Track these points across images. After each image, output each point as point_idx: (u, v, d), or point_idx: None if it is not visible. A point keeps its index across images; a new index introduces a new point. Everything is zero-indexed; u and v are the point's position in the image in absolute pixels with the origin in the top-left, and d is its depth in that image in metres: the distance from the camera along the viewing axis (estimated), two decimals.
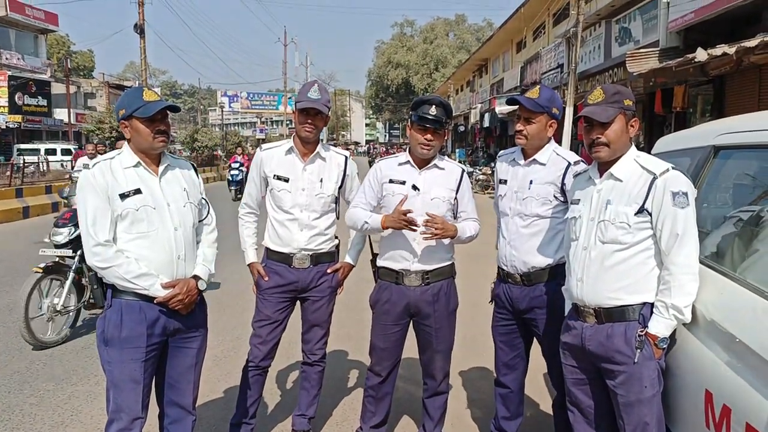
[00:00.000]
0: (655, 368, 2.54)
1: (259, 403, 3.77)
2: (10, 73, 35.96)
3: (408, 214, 3.22)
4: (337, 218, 3.74)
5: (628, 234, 2.59)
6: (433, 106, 3.27)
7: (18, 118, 35.86)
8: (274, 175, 3.57)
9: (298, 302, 3.74)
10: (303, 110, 3.46)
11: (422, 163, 3.41)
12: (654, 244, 2.59)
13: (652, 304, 2.58)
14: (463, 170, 3.53)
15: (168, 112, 2.83)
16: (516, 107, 3.33)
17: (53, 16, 41.83)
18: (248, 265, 3.71)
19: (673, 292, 2.49)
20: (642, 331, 2.55)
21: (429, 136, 3.29)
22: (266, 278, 3.60)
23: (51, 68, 42.91)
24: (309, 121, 3.47)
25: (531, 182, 3.26)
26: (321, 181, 3.60)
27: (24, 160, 23.09)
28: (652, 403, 2.53)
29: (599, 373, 2.72)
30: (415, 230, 3.26)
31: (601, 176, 2.72)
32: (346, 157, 3.75)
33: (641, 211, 2.56)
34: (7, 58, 37.49)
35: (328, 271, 3.68)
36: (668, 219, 2.51)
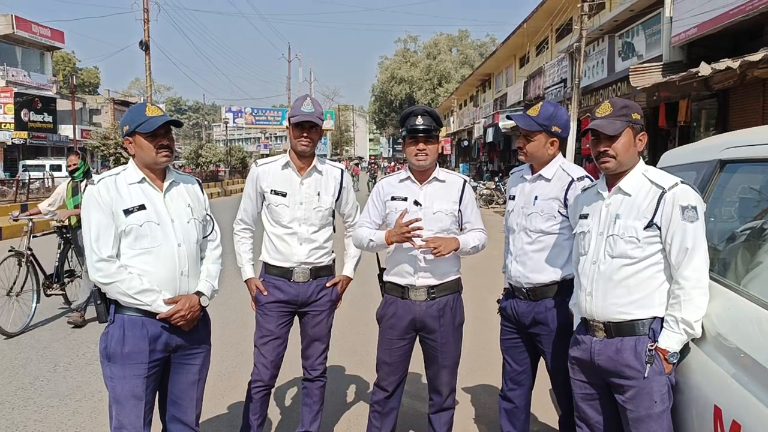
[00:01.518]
0: (665, 383, 2.52)
1: (265, 422, 3.75)
2: (16, 89, 36.26)
3: (410, 225, 3.22)
4: (334, 231, 3.74)
5: (638, 248, 2.58)
6: (419, 117, 3.31)
7: (23, 134, 36.10)
8: (272, 190, 3.57)
9: (296, 318, 3.72)
10: (298, 124, 3.47)
11: (422, 177, 3.42)
12: (663, 258, 2.58)
13: (662, 319, 2.56)
14: (465, 181, 3.52)
15: (171, 127, 2.84)
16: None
17: (59, 34, 42.21)
18: (246, 281, 3.69)
19: (683, 306, 2.47)
20: (652, 346, 2.53)
21: (421, 145, 3.31)
22: (265, 293, 3.59)
23: (57, 85, 43.26)
24: (305, 134, 3.48)
25: (536, 198, 3.26)
26: (318, 194, 3.60)
27: (29, 176, 23.18)
28: (662, 418, 2.51)
29: (608, 388, 2.70)
30: (418, 246, 3.26)
31: (609, 191, 2.72)
32: (342, 170, 3.77)
33: (650, 225, 2.55)
34: (13, 75, 37.80)
35: (327, 285, 3.68)
36: (678, 233, 2.50)
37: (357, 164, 48.04)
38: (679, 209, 2.50)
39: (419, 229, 3.23)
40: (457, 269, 3.49)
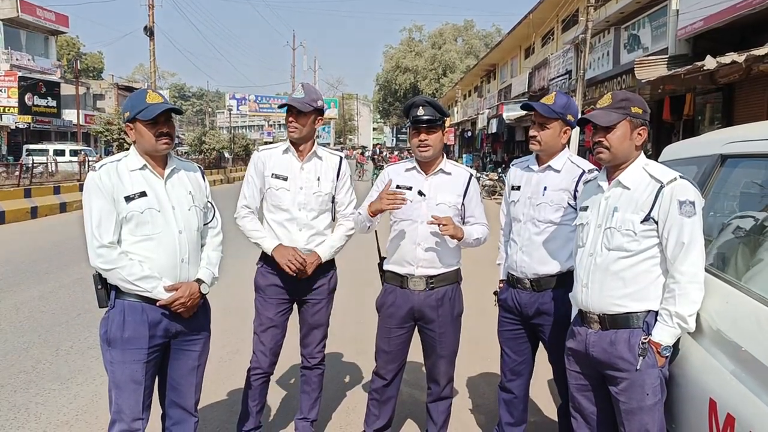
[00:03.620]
0: (658, 376, 2.54)
1: (264, 409, 3.78)
2: (20, 73, 36.20)
3: (394, 195, 3.24)
4: (333, 220, 3.75)
5: (634, 241, 2.58)
6: (420, 107, 3.30)
7: (27, 118, 36.10)
8: (272, 174, 3.58)
9: (295, 306, 3.73)
10: (287, 110, 3.48)
11: (428, 168, 3.42)
12: (660, 252, 2.58)
13: (657, 312, 2.57)
14: (471, 175, 3.53)
15: (172, 114, 2.84)
16: (526, 113, 3.33)
17: (64, 18, 42.12)
18: (273, 251, 3.53)
19: (678, 300, 2.48)
20: (645, 339, 2.54)
21: (422, 136, 3.31)
22: (296, 261, 3.49)
23: (61, 69, 43.19)
24: (290, 119, 3.48)
25: (545, 188, 3.26)
26: (318, 179, 3.61)
27: (33, 160, 23.21)
28: (654, 411, 2.53)
29: (603, 379, 2.72)
30: (400, 204, 3.26)
31: (609, 183, 2.72)
32: (341, 158, 3.77)
33: (647, 219, 2.56)
34: (17, 59, 37.74)
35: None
36: (674, 228, 2.50)
37: (362, 153, 47.78)
38: (676, 204, 2.50)
39: (401, 193, 3.25)
40: (458, 260, 3.50)
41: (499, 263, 3.59)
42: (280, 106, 3.49)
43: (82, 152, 30.06)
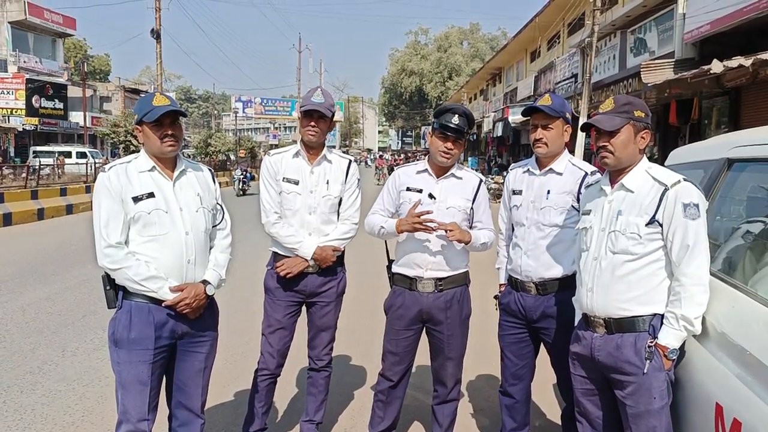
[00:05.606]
0: (665, 380, 2.53)
1: (270, 411, 3.78)
2: (27, 76, 36.40)
3: (422, 216, 3.24)
4: None
5: (639, 245, 2.58)
6: (456, 116, 3.30)
7: (34, 120, 36.30)
8: (284, 178, 3.59)
9: (303, 308, 3.74)
10: (306, 113, 3.49)
11: (440, 171, 3.43)
12: (665, 255, 2.58)
13: (663, 315, 2.57)
14: (481, 180, 3.54)
15: (178, 116, 2.86)
16: (528, 118, 3.33)
17: (71, 21, 42.36)
18: (314, 255, 3.53)
19: (684, 303, 2.48)
20: (652, 342, 2.54)
21: (449, 144, 3.31)
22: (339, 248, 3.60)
23: (68, 72, 43.40)
24: (312, 124, 3.49)
25: (548, 192, 3.26)
26: (327, 182, 3.62)
27: (40, 162, 23.32)
28: (661, 414, 2.52)
29: (608, 383, 2.71)
30: (431, 231, 3.28)
31: (612, 187, 2.72)
32: (350, 161, 3.77)
33: (652, 222, 2.56)
34: (25, 61, 37.96)
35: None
36: (679, 230, 2.50)
37: (381, 156, 47.16)
38: (681, 206, 2.50)
39: (430, 221, 3.25)
40: (466, 263, 3.51)
41: (498, 267, 3.60)
42: (303, 111, 3.48)
43: (59, 156, 29.71)
